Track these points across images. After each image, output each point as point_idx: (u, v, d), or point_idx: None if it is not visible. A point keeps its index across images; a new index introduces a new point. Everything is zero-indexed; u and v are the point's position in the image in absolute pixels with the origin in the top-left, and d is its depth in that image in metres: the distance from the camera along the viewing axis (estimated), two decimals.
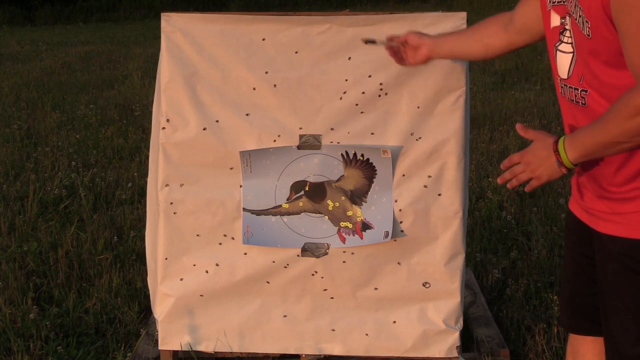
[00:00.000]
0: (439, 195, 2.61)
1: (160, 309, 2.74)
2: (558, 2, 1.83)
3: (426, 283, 2.67)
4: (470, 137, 3.01)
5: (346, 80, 2.58)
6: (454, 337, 2.69)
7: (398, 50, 2.41)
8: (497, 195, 4.72)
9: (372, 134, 2.60)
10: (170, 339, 2.75)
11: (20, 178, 5.42)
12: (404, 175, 2.61)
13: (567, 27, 1.80)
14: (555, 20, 1.85)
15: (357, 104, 2.59)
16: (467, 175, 2.66)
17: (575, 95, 1.81)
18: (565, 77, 1.84)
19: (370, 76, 2.57)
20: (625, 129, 1.64)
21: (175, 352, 2.78)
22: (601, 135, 1.69)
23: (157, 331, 2.79)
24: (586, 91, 1.77)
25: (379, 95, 2.58)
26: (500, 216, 4.43)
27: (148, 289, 2.88)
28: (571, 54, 1.80)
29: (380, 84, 2.57)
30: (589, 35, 1.70)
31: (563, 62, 1.84)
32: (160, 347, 2.77)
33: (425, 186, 2.61)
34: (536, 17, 1.97)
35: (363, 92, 2.58)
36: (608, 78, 1.71)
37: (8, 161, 5.84)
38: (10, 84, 9.75)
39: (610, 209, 1.83)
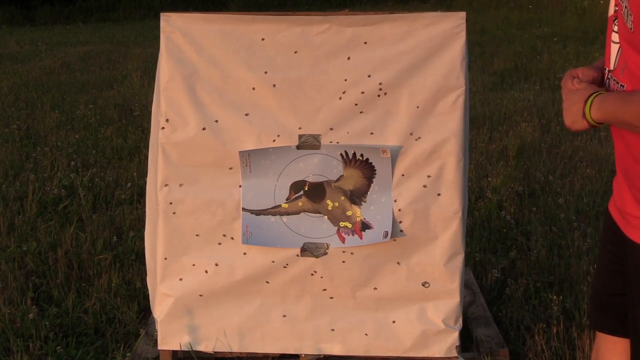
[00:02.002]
0: (439, 195, 2.61)
1: (159, 309, 2.74)
2: None
3: (425, 283, 2.67)
4: (470, 137, 3.01)
5: (345, 80, 2.58)
6: (453, 337, 2.69)
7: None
8: (497, 195, 4.72)
9: (372, 133, 2.60)
10: (169, 339, 2.75)
11: (19, 178, 5.42)
12: (403, 175, 2.61)
13: (617, 15, 1.77)
14: (611, 8, 1.83)
15: (356, 104, 2.59)
16: (467, 175, 2.66)
17: (617, 89, 1.79)
18: (612, 68, 1.82)
19: (369, 76, 2.57)
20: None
21: (174, 352, 2.78)
22: (621, 110, 1.69)
23: (157, 331, 2.79)
24: (624, 86, 1.76)
25: (379, 95, 2.58)
26: (500, 216, 4.43)
27: (147, 289, 2.88)
28: (618, 45, 1.78)
29: (380, 83, 2.57)
30: (631, 29, 1.68)
31: (612, 52, 1.81)
32: (159, 347, 2.77)
33: (424, 186, 2.61)
34: None
35: (362, 92, 2.58)
36: None
37: (7, 161, 5.84)
38: (9, 84, 9.75)
39: (637, 213, 1.80)
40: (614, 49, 1.80)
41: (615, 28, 1.79)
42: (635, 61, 1.70)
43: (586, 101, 1.79)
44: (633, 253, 1.83)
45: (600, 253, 2.10)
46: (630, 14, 1.67)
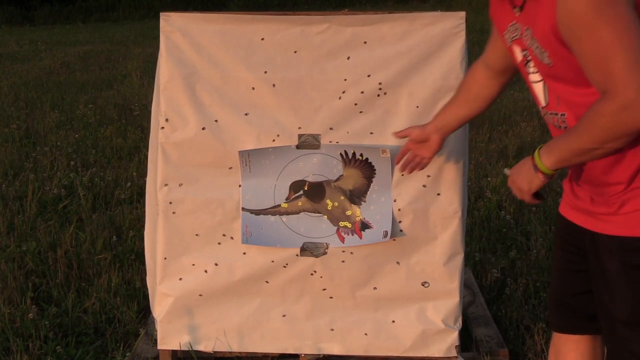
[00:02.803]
0: (438, 194, 2.61)
1: (159, 308, 2.74)
2: (514, 37, 1.87)
3: (425, 283, 2.67)
4: (469, 137, 3.01)
5: (345, 79, 2.58)
6: (453, 337, 2.69)
7: (413, 159, 2.45)
8: (496, 195, 4.72)
9: (371, 133, 2.60)
10: (169, 338, 2.75)
11: (19, 178, 5.42)
12: (403, 174, 2.61)
13: (529, 58, 1.85)
14: (518, 55, 1.90)
15: (356, 104, 2.59)
16: (466, 175, 2.66)
17: (557, 120, 1.86)
18: (545, 104, 1.89)
19: (369, 76, 2.57)
20: (596, 136, 1.67)
21: (174, 352, 2.78)
22: (574, 142, 1.73)
23: (156, 331, 2.79)
24: (564, 114, 1.82)
25: (378, 95, 2.58)
26: (500, 216, 4.43)
27: (147, 289, 2.88)
28: (541, 82, 1.86)
29: (380, 83, 2.57)
30: (550, 64, 1.75)
31: (538, 91, 1.89)
32: (159, 347, 2.77)
33: (424, 186, 2.61)
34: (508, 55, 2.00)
35: (362, 92, 2.58)
36: (579, 97, 1.75)
37: (7, 161, 5.84)
38: (9, 83, 9.75)
39: (608, 210, 1.84)
40: (538, 87, 1.88)
41: (531, 69, 1.86)
42: (566, 91, 1.77)
43: (533, 156, 1.84)
44: (599, 244, 1.87)
45: (557, 257, 2.15)
46: (544, 51, 1.73)
